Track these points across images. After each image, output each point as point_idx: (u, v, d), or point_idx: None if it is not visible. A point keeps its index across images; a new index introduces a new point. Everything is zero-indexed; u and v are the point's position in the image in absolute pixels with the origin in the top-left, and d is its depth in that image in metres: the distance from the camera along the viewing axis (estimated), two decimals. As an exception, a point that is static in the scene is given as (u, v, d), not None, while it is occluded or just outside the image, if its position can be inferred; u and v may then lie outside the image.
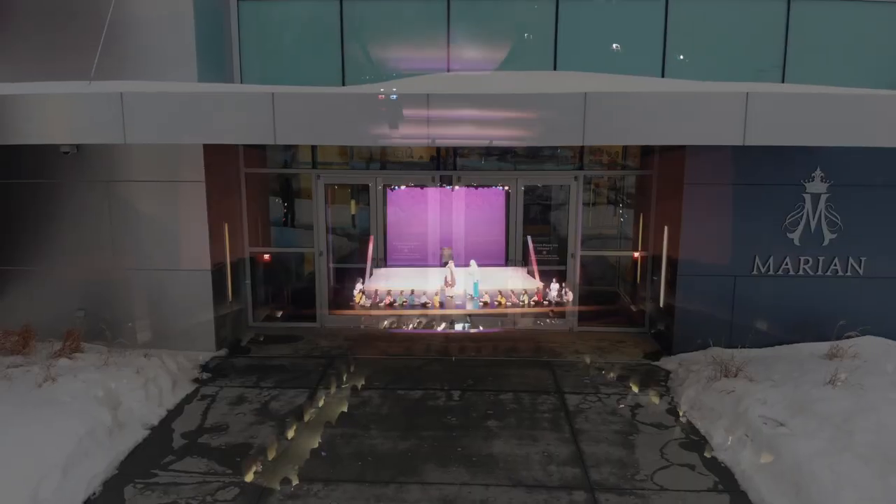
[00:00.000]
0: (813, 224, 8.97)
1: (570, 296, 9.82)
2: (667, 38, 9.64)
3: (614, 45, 9.70)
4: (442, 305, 8.93)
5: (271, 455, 6.77)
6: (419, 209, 10.97)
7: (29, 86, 8.19)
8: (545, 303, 9.19)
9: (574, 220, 10.54)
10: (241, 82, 9.77)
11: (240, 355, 9.66)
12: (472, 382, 8.59)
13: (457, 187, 10.62)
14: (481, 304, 8.97)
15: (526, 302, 9.01)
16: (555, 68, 9.42)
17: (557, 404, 7.95)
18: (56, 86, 7.78)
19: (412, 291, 9.09)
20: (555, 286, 9.29)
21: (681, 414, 7.77)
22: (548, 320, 10.85)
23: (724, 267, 9.15)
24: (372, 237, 10.41)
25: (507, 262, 10.75)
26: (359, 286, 9.30)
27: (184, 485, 6.23)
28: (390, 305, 9.02)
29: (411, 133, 6.82)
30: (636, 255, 10.90)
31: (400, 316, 10.55)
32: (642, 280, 10.74)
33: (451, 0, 9.61)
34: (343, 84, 9.77)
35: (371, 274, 9.93)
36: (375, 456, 6.75)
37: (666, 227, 9.60)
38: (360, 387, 8.47)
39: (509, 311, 9.22)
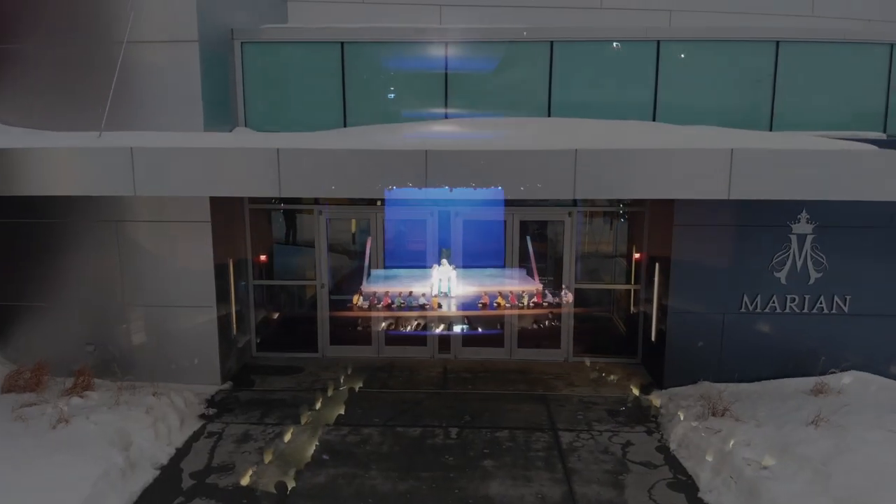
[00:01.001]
0: (799, 264, 9.28)
1: (569, 297, 10.11)
2: (658, 79, 9.94)
3: (613, 46, 9.92)
4: (440, 306, 9.18)
5: (276, 496, 7.07)
6: (417, 210, 11.17)
7: (41, 137, 8.53)
8: (544, 304, 9.45)
9: (568, 255, 10.86)
10: (245, 124, 10.08)
11: (244, 388, 9.96)
12: (469, 419, 8.90)
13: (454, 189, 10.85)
14: (479, 305, 9.22)
15: (525, 303, 9.26)
16: (549, 112, 9.73)
17: (551, 442, 8.26)
18: (67, 138, 8.11)
19: (410, 293, 9.35)
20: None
21: (670, 452, 8.07)
22: (543, 325, 11.17)
23: (713, 304, 9.46)
24: (370, 239, 10.67)
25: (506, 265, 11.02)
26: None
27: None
28: (388, 307, 9.26)
29: (410, 187, 7.13)
30: (629, 286, 11.22)
31: (398, 318, 10.82)
32: (635, 311, 11.05)
33: (448, 44, 9.92)
34: (345, 125, 10.08)
35: (369, 275, 10.25)
36: (376, 497, 7.05)
37: (657, 264, 9.91)
38: (361, 423, 8.78)
39: (508, 312, 9.47)
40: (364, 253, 10.65)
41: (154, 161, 7.29)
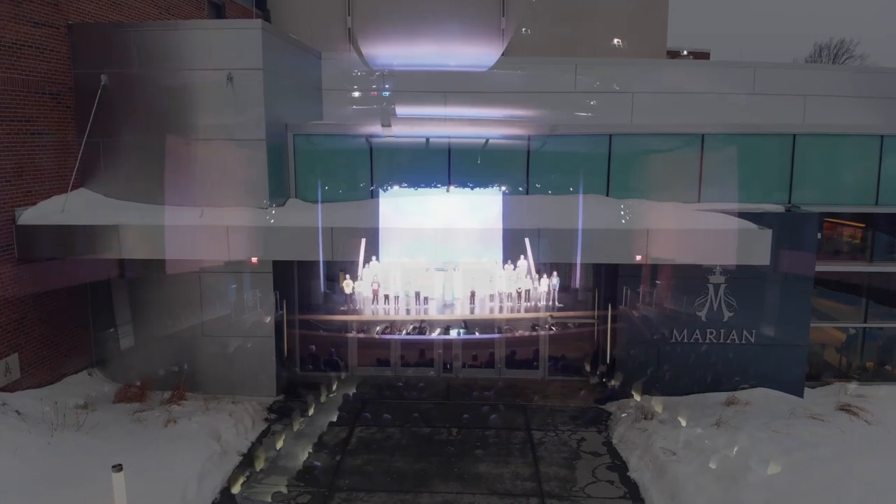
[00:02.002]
0: (715, 305, 12.26)
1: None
2: (611, 163, 13.00)
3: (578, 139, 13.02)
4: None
5: (328, 473, 10.03)
6: (412, 208, 13.76)
7: (152, 212, 11.65)
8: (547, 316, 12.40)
9: (545, 299, 13.86)
10: (296, 196, 13.15)
11: (294, 399, 12.92)
12: (468, 419, 11.85)
13: (452, 187, 13.65)
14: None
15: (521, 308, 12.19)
16: (527, 192, 12.80)
17: (526, 438, 11.21)
18: (178, 215, 11.22)
19: (407, 295, 12.21)
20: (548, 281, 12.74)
21: (612, 446, 11.00)
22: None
23: (651, 336, 12.43)
24: (364, 239, 13.39)
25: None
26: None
27: (273, 492, 9.50)
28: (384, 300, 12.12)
29: (422, 256, 10.19)
30: (592, 320, 14.20)
31: (393, 321, 13.67)
32: (596, 341, 14.00)
33: (451, 140, 13.02)
34: (371, 197, 13.15)
35: (361, 276, 13.14)
36: (399, 474, 10.01)
37: (609, 305, 12.90)
38: (385, 424, 11.73)
39: (500, 316, 12.32)
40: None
41: (244, 236, 10.38)
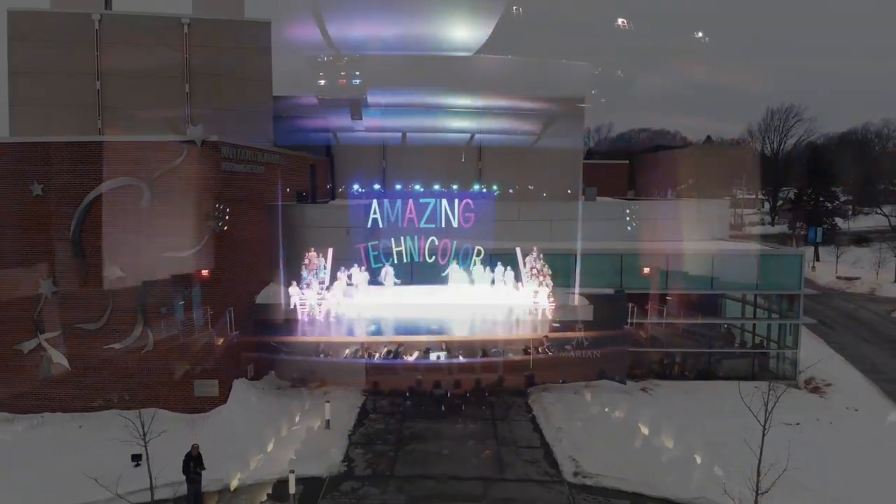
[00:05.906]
0: (580, 339, 25.23)
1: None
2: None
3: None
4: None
5: (401, 420, 22.75)
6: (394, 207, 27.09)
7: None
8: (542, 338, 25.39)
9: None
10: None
11: (375, 388, 25.57)
12: (466, 403, 24.65)
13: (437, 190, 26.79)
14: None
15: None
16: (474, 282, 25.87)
17: (487, 400, 24.03)
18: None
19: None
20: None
21: (528, 403, 23.86)
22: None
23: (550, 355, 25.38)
24: (331, 249, 26.49)
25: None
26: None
27: (377, 423, 22.23)
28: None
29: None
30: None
31: (364, 344, 26.27)
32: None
33: (449, 244, 26.18)
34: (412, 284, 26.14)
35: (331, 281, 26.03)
36: (432, 418, 22.77)
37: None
38: (425, 401, 24.44)
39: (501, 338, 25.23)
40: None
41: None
